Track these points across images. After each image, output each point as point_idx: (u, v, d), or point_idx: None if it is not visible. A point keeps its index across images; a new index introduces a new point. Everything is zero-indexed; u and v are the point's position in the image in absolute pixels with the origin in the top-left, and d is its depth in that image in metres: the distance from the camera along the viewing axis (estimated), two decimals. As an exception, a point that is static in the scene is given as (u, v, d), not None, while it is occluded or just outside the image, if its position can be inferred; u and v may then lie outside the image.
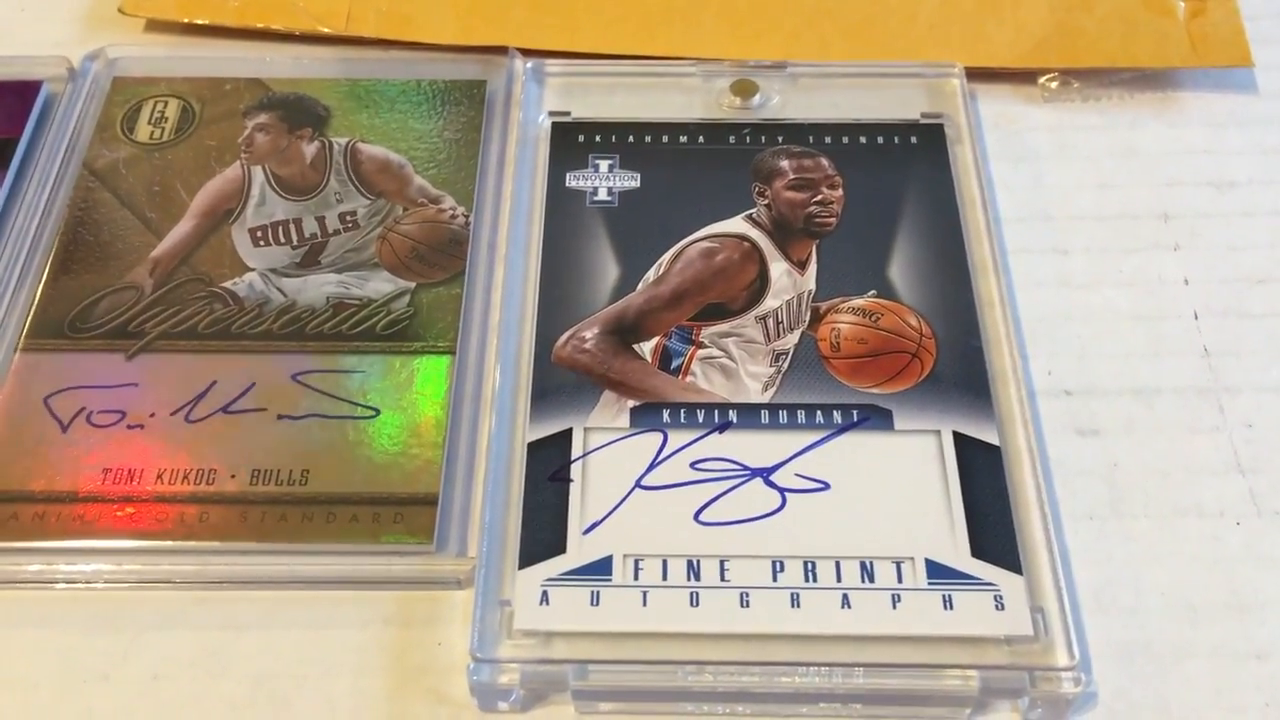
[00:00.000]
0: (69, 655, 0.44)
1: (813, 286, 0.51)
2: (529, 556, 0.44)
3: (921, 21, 0.62)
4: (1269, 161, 0.58)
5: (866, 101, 0.58)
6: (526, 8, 0.62)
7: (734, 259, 0.52)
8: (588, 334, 0.50)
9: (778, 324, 0.50)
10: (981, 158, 0.57)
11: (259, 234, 0.54)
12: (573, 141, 0.57)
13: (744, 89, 0.58)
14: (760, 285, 0.51)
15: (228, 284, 0.52)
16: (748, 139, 0.56)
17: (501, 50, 0.60)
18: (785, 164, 0.55)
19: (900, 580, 0.44)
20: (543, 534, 0.45)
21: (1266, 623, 0.45)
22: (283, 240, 0.54)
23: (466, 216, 0.54)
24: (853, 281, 0.52)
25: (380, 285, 0.52)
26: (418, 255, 0.53)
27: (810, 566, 0.44)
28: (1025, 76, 0.61)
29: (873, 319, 0.50)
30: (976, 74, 0.60)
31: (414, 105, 0.59)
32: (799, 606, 0.43)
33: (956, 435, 0.47)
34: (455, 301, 0.52)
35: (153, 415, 0.48)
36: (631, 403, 0.48)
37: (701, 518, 0.45)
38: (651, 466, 0.47)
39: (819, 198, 0.54)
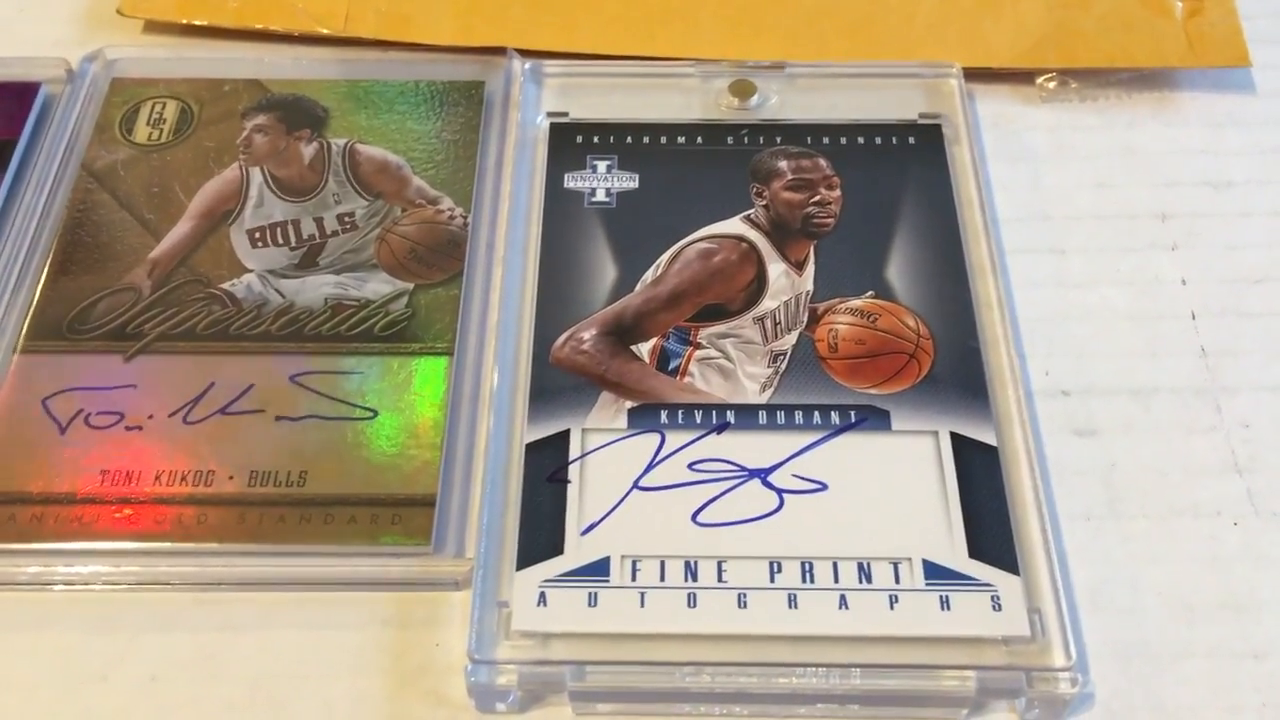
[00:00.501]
0: (67, 656, 0.44)
1: (810, 287, 0.51)
2: (527, 557, 0.44)
3: (919, 21, 0.62)
4: (1267, 161, 0.58)
5: (864, 102, 0.58)
6: (525, 8, 0.62)
7: (732, 260, 0.52)
8: (586, 335, 0.50)
9: (775, 325, 0.50)
10: (979, 158, 0.56)
11: (257, 235, 0.54)
12: (571, 142, 0.57)
13: (742, 89, 0.58)
14: (758, 286, 0.51)
15: (226, 285, 0.52)
16: (746, 139, 0.56)
17: (500, 51, 0.60)
18: (783, 164, 0.55)
19: (898, 581, 0.44)
20: (540, 535, 0.45)
21: (1263, 622, 0.45)
22: (281, 241, 0.54)
23: (465, 217, 0.54)
24: (850, 282, 0.52)
25: (378, 286, 0.52)
26: (416, 256, 0.53)
27: (808, 567, 0.44)
28: (1023, 76, 0.61)
29: (870, 320, 0.50)
30: (974, 74, 0.60)
31: (412, 106, 0.59)
32: (796, 607, 0.43)
33: (954, 436, 0.47)
34: (453, 303, 0.52)
35: (151, 417, 0.48)
36: (629, 404, 0.48)
37: (699, 519, 0.45)
38: (649, 467, 0.47)
39: (817, 198, 0.54)
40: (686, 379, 0.49)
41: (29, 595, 0.46)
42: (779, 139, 0.56)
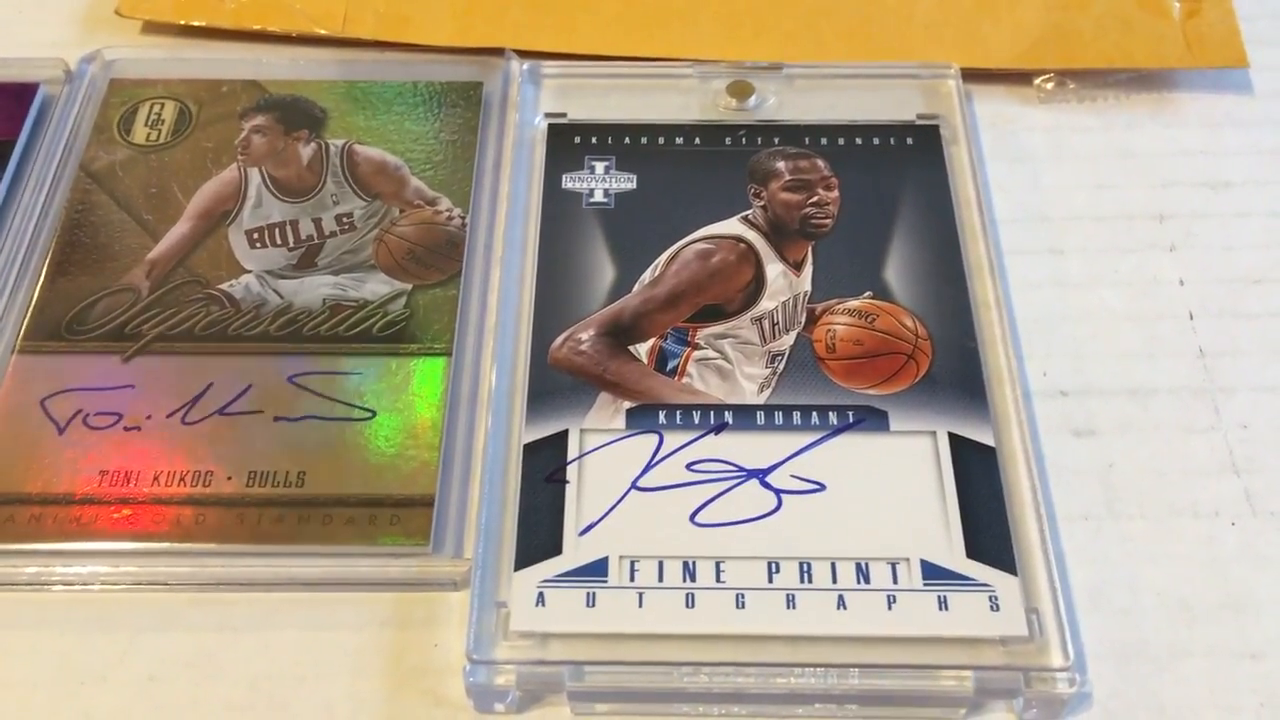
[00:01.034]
0: (66, 656, 0.44)
1: (809, 288, 0.52)
2: (525, 558, 0.45)
3: (917, 22, 0.62)
4: (1264, 162, 0.58)
5: (862, 102, 0.58)
6: (523, 9, 0.62)
7: (730, 260, 0.52)
8: (584, 335, 0.50)
9: (773, 325, 0.50)
10: (977, 158, 0.56)
11: (255, 236, 0.54)
12: (569, 143, 0.57)
13: (740, 90, 0.58)
14: (756, 287, 0.52)
15: (224, 286, 0.52)
16: (744, 140, 0.57)
17: (498, 52, 0.60)
18: (781, 165, 0.55)
19: (896, 581, 0.44)
20: (539, 535, 0.45)
21: (1261, 622, 0.45)
22: (279, 242, 0.54)
23: (463, 218, 0.54)
24: (848, 283, 0.52)
25: (377, 287, 0.52)
26: (414, 257, 0.53)
27: (806, 568, 0.44)
28: (1021, 77, 0.61)
29: (868, 320, 0.50)
30: (972, 75, 0.60)
31: (410, 107, 0.59)
32: (795, 608, 0.43)
33: (952, 436, 0.47)
34: (451, 303, 0.52)
35: (149, 417, 0.49)
36: (628, 404, 0.48)
37: (697, 519, 0.45)
38: (648, 468, 0.47)
39: (815, 199, 0.54)
40: (684, 379, 0.49)
41: (28, 595, 0.46)
42: (777, 140, 0.56)
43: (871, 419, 0.48)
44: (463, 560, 0.46)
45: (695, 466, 0.47)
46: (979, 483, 0.46)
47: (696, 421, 0.48)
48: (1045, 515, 0.46)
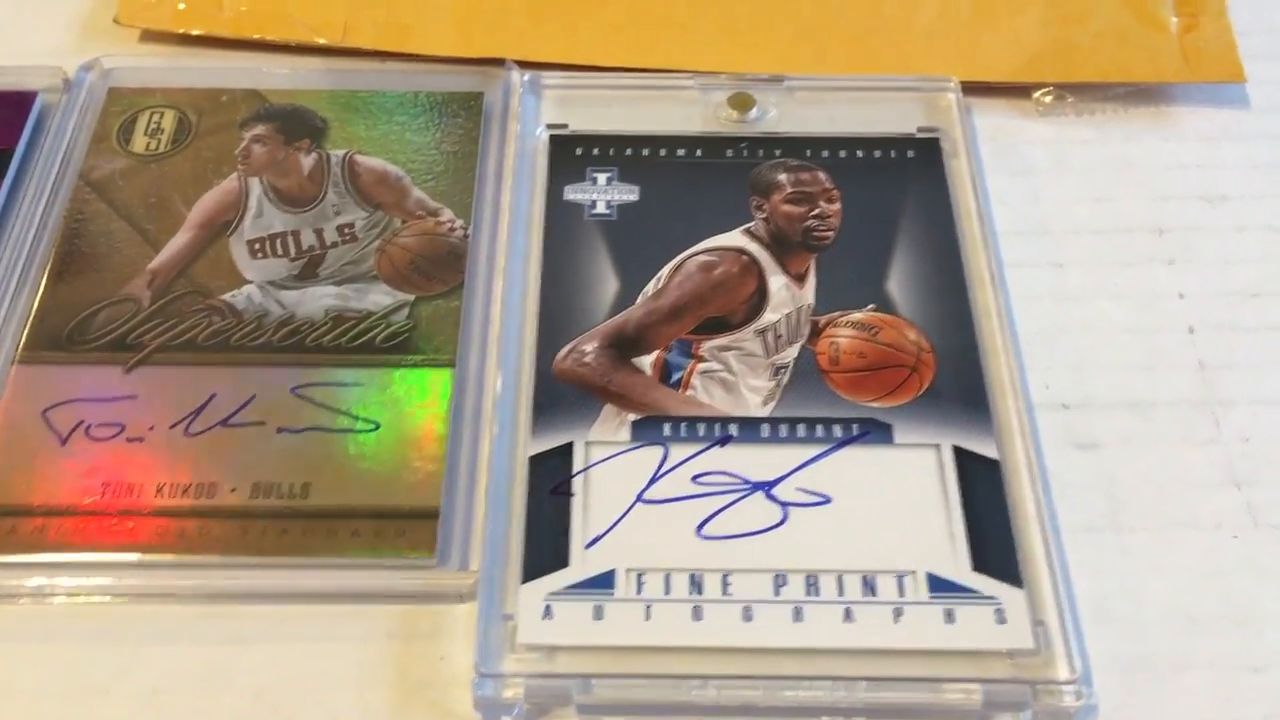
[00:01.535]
0: (69, 669, 0.44)
1: (811, 300, 0.52)
2: (532, 570, 0.44)
3: (917, 35, 0.62)
4: (1261, 176, 0.58)
5: (863, 115, 0.58)
6: (525, 19, 0.62)
7: (733, 272, 0.52)
8: (588, 347, 0.50)
9: (777, 338, 0.51)
10: (978, 171, 0.57)
11: (257, 246, 0.54)
12: (570, 154, 0.57)
13: (741, 103, 0.58)
14: (759, 299, 0.52)
15: (226, 296, 0.52)
16: (745, 152, 0.57)
17: (498, 62, 0.60)
18: (783, 178, 0.55)
19: (902, 594, 0.44)
20: (545, 548, 0.45)
21: (1264, 635, 0.45)
22: (280, 252, 0.54)
23: (465, 229, 0.54)
24: (852, 295, 0.52)
25: (379, 298, 0.52)
26: (416, 268, 0.53)
27: (812, 580, 0.44)
28: (1019, 90, 0.61)
29: (871, 333, 0.51)
30: (972, 88, 0.60)
31: (411, 117, 0.59)
32: (802, 620, 0.43)
33: (956, 449, 0.47)
34: (454, 314, 0.52)
35: (152, 428, 0.48)
36: (632, 416, 0.48)
37: (704, 531, 0.45)
38: (653, 480, 0.47)
39: (817, 211, 0.54)
40: (689, 392, 0.49)
41: (31, 608, 0.45)
42: (778, 152, 0.57)
43: (876, 431, 0.48)
44: (469, 573, 0.45)
45: (701, 479, 0.47)
46: (983, 495, 0.46)
47: (701, 434, 0.48)
48: (1049, 528, 0.46)
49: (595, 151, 0.57)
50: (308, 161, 0.57)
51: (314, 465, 0.47)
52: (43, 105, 0.59)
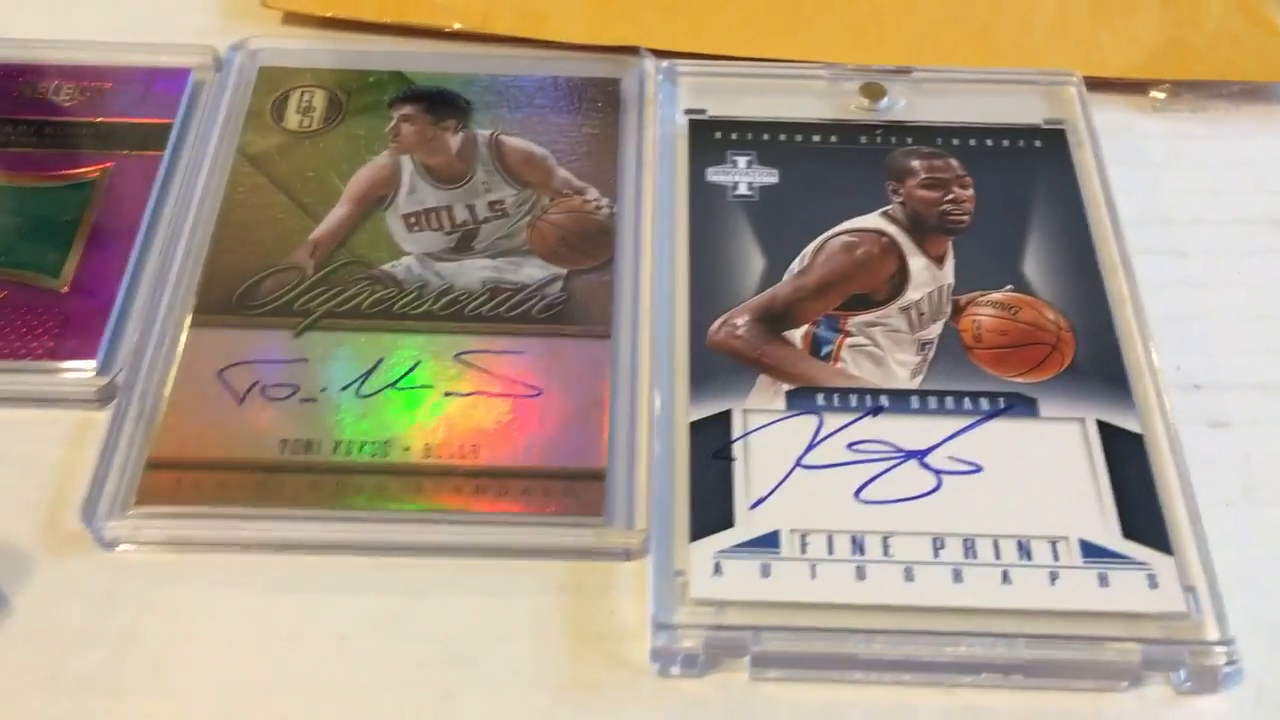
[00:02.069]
0: (256, 615, 0.46)
1: (951, 280, 0.54)
2: (699, 530, 0.46)
3: (1037, 31, 0.64)
4: (1368, 171, 0.61)
5: (988, 106, 0.60)
6: (655, 9, 0.64)
7: (874, 253, 0.54)
8: (739, 320, 0.52)
9: (920, 315, 0.52)
10: (1101, 163, 0.59)
11: (413, 220, 0.56)
12: (710, 138, 0.59)
13: (873, 91, 0.60)
14: (901, 278, 0.54)
15: (386, 267, 0.54)
16: (879, 139, 0.59)
17: (631, 50, 0.62)
18: (916, 164, 0.57)
19: (1056, 558, 0.46)
20: (710, 509, 0.47)
21: (1397, 605, 0.47)
22: (436, 226, 0.56)
23: (611, 207, 0.56)
24: (989, 276, 0.54)
25: (533, 271, 0.54)
26: (566, 243, 0.55)
27: (969, 544, 0.46)
28: (1135, 86, 0.63)
29: (1012, 312, 0.52)
30: (1089, 83, 0.62)
31: (551, 100, 0.61)
32: (962, 581, 0.45)
33: (1100, 424, 0.49)
34: (606, 288, 0.54)
35: (324, 390, 0.50)
36: (786, 386, 0.50)
37: (862, 496, 0.47)
38: (810, 447, 0.49)
39: (951, 196, 0.56)
40: (839, 364, 0.51)
41: (217, 557, 0.47)
42: (910, 140, 0.59)
43: (1021, 405, 0.50)
44: (635, 531, 0.47)
45: (856, 447, 0.49)
46: (1129, 467, 0.48)
47: (854, 404, 0.50)
48: (1192, 500, 0.48)
49: (734, 136, 0.59)
50: (455, 141, 0.59)
51: (481, 428, 0.49)
52: (194, 83, 0.61)
